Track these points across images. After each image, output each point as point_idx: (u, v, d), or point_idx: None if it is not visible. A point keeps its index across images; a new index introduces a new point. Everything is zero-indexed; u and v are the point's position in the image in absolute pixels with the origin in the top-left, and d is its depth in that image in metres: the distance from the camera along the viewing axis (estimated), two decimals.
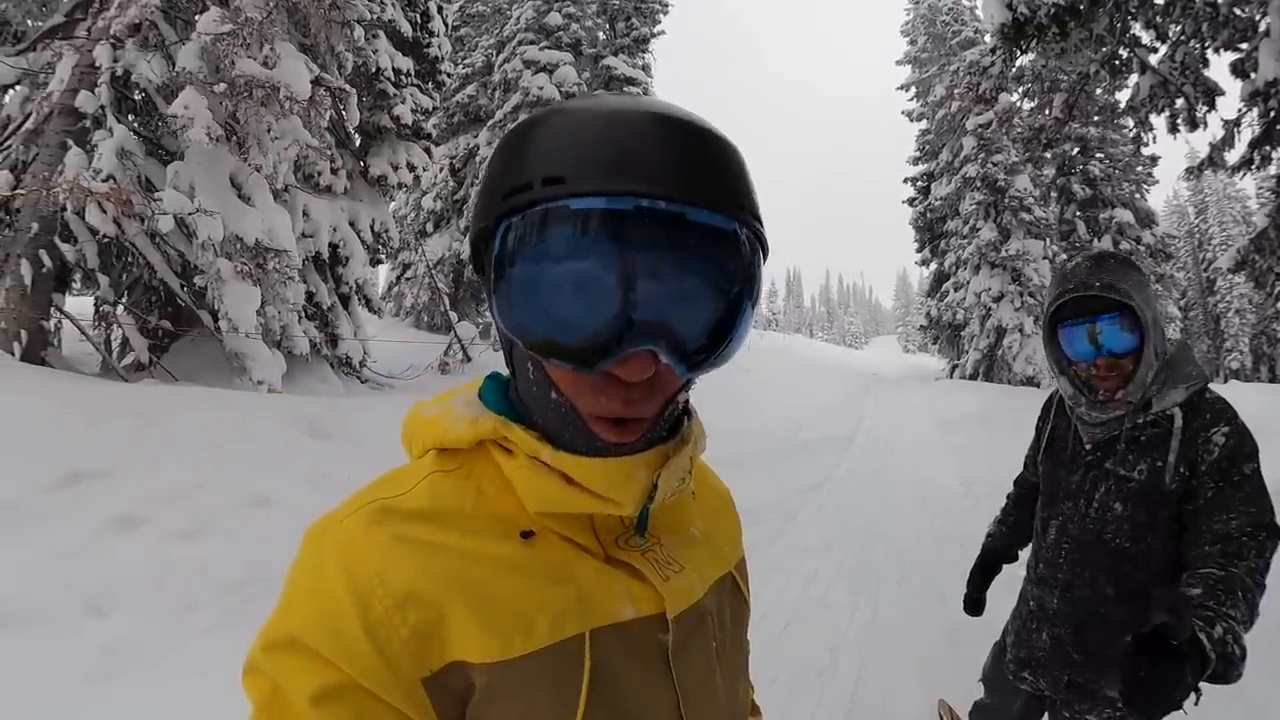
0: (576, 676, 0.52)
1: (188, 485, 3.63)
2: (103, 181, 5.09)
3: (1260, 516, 1.32)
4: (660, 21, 16.90)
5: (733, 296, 0.49)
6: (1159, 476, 1.40)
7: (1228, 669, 1.14)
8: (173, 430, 4.13)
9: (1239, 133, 6.55)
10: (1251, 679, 3.24)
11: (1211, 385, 1.46)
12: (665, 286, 0.46)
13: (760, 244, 0.51)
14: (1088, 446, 1.55)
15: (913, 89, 23.74)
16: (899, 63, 24.34)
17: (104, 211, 5.20)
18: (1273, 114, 5.99)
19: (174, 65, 5.47)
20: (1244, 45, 5.85)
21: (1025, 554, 1.88)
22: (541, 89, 14.12)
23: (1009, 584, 1.84)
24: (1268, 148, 6.42)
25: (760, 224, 0.51)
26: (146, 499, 3.42)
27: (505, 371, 0.61)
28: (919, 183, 22.50)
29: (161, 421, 4.17)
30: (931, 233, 21.91)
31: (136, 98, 6.01)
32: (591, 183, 0.45)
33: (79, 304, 6.59)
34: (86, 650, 2.59)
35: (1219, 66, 6.17)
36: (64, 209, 5.25)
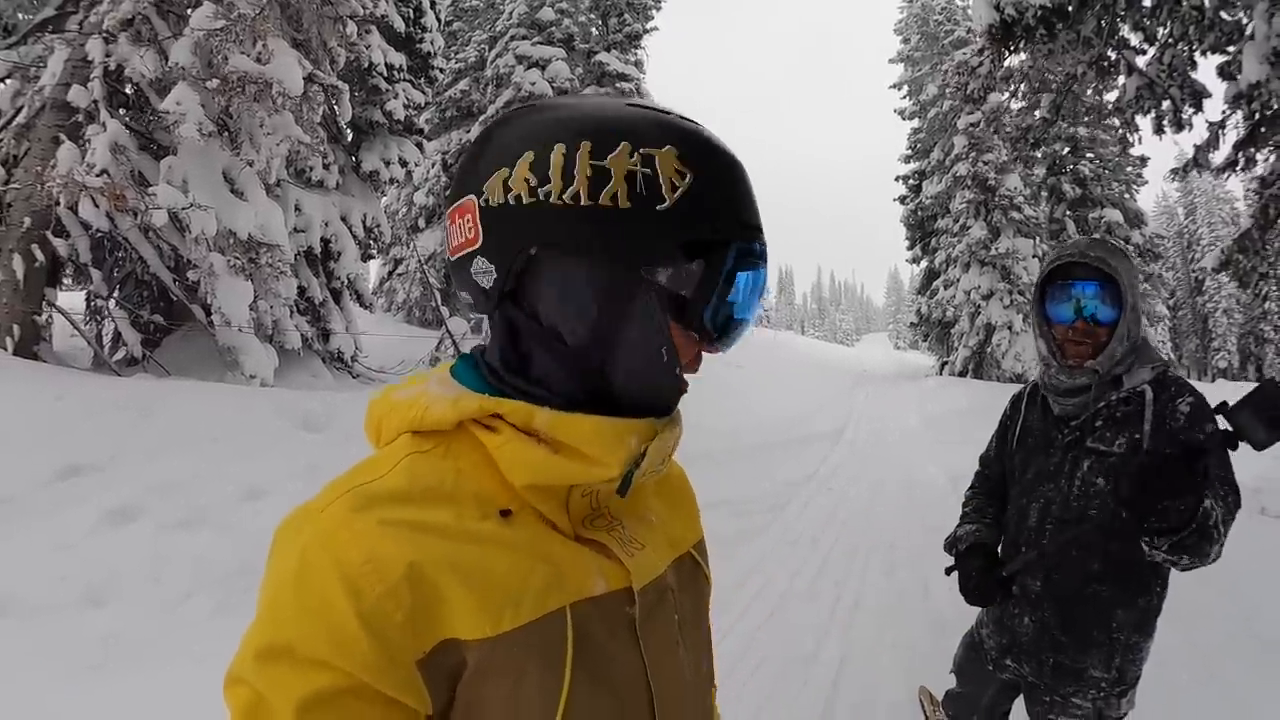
0: (561, 649, 0.54)
1: (183, 477, 3.67)
2: (96, 176, 5.08)
3: (1216, 469, 1.39)
4: (653, 17, 16.88)
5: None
6: (1137, 447, 1.48)
7: (1201, 540, 1.24)
8: (168, 423, 4.16)
9: (1224, 135, 6.61)
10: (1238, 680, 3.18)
11: (1198, 384, 1.55)
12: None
13: None
14: (1064, 429, 1.61)
15: (905, 87, 23.85)
16: (891, 61, 24.44)
17: (97, 206, 5.19)
18: (1256, 116, 6.04)
19: (167, 60, 5.46)
20: (1230, 48, 5.89)
21: None
22: (534, 84, 14.11)
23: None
24: (1251, 149, 6.47)
25: None
26: (143, 491, 3.45)
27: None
28: (910, 181, 22.64)
29: (156, 415, 4.20)
30: (922, 231, 22.05)
31: (129, 92, 6.00)
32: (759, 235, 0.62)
33: (71, 299, 6.59)
34: (84, 640, 2.63)
35: (1206, 69, 6.20)
36: (57, 203, 5.24)
